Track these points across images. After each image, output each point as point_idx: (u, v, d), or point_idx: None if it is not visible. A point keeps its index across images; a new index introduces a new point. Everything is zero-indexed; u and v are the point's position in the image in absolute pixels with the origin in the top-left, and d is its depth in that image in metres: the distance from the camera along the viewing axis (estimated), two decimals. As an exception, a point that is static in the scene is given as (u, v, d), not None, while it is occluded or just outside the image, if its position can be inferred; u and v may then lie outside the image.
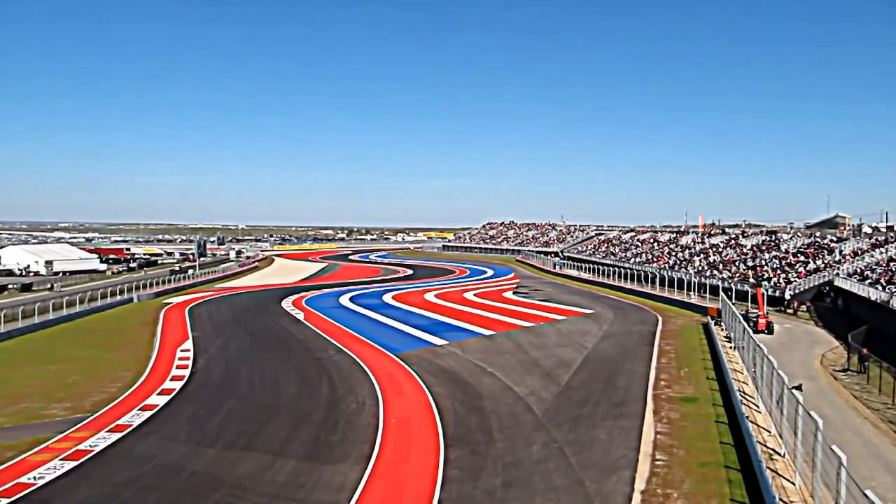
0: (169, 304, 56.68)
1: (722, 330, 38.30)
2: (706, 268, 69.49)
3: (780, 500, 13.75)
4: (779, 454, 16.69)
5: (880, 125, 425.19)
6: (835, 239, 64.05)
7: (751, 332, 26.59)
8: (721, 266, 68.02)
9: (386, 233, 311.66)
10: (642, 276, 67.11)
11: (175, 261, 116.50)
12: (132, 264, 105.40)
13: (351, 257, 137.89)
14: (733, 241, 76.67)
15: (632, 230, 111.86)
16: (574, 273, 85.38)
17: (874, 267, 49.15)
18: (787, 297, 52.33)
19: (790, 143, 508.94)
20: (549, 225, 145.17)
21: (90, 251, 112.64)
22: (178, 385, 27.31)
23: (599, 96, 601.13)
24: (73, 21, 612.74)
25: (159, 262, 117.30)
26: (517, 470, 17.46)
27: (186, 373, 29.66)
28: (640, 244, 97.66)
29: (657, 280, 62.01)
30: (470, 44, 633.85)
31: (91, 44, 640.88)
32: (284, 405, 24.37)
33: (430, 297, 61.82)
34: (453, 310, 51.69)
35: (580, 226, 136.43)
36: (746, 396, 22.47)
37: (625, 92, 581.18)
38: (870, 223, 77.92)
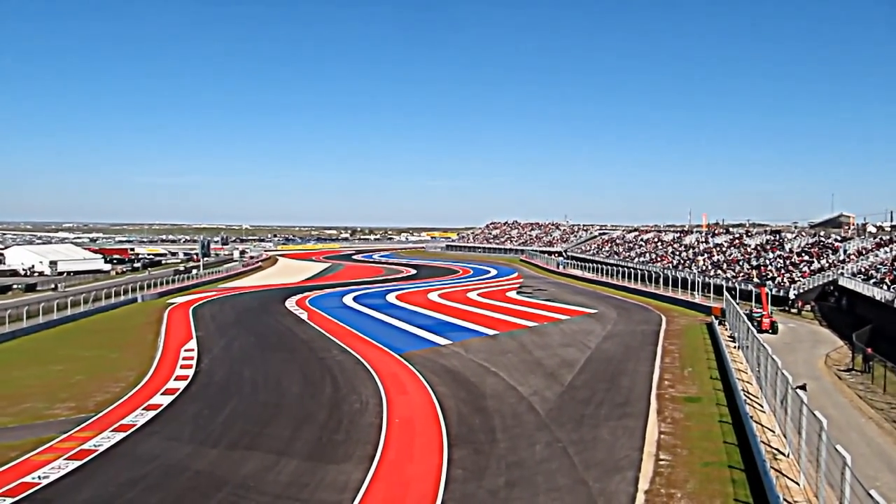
0: (173, 304, 56.75)
1: (726, 329, 38.24)
2: (710, 267, 69.39)
3: (784, 499, 13.72)
4: (783, 454, 16.65)
5: (885, 124, 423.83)
6: (839, 238, 63.89)
7: (755, 331, 26.53)
8: (725, 265, 67.92)
9: (389, 233, 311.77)
10: (646, 275, 67.01)
11: (179, 261, 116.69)
12: (136, 264, 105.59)
13: (354, 257, 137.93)
14: (737, 241, 76.52)
15: (635, 230, 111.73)
16: (578, 273, 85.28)
17: (879, 266, 49.03)
18: (792, 296, 52.23)
19: (794, 142, 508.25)
20: (553, 224, 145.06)
21: (94, 251, 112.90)
22: (181, 385, 27.35)
23: (603, 95, 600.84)
24: (75, 21, 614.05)
25: (163, 262, 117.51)
26: (521, 470, 17.45)
27: (190, 373, 29.68)
28: (643, 244, 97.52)
29: (661, 279, 61.92)
30: (473, 43, 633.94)
31: (95, 43, 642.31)
32: (288, 405, 24.39)
33: (433, 296, 61.82)
34: (457, 309, 51.68)
35: (584, 225, 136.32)
36: (750, 396, 22.42)
37: (628, 91, 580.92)
38: (874, 222, 77.92)
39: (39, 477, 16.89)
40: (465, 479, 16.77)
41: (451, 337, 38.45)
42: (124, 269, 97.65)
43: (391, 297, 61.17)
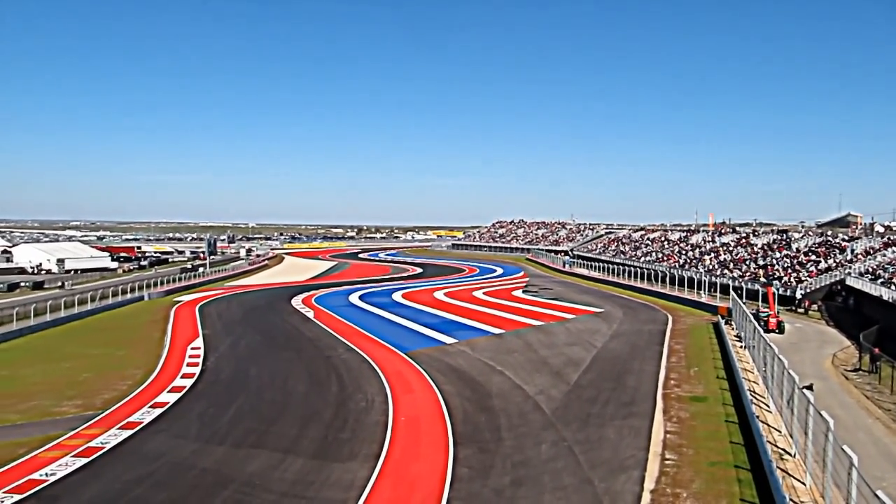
0: (179, 302, 56.94)
1: (732, 329, 38.13)
2: (716, 267, 69.19)
3: (791, 500, 13.68)
4: (789, 454, 16.60)
5: (893, 123, 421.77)
6: (846, 238, 63.60)
7: (761, 331, 26.42)
8: (731, 265, 67.70)
9: (395, 231, 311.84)
10: (652, 274, 66.86)
11: (186, 259, 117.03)
12: (143, 262, 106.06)
13: (360, 255, 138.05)
14: (744, 240, 76.26)
15: (642, 229, 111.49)
16: (584, 272, 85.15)
17: (886, 266, 48.79)
18: (798, 296, 52.02)
19: (802, 141, 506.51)
20: (559, 223, 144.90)
21: (101, 249, 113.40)
22: (188, 383, 27.44)
23: (610, 94, 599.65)
24: (79, 20, 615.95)
25: (170, 260, 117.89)
26: (526, 469, 17.44)
27: (197, 370, 29.79)
28: (650, 243, 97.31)
29: (667, 279, 61.75)
30: (480, 42, 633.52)
31: (100, 42, 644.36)
32: (294, 403, 24.43)
33: (439, 295, 61.82)
34: (463, 308, 51.68)
35: (590, 224, 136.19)
36: (757, 396, 22.36)
37: (635, 90, 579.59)
38: (882, 222, 77.43)
39: (47, 474, 16.99)
40: (470, 477, 16.78)
41: (457, 336, 38.45)
42: (131, 268, 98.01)
43: (397, 296, 61.21)
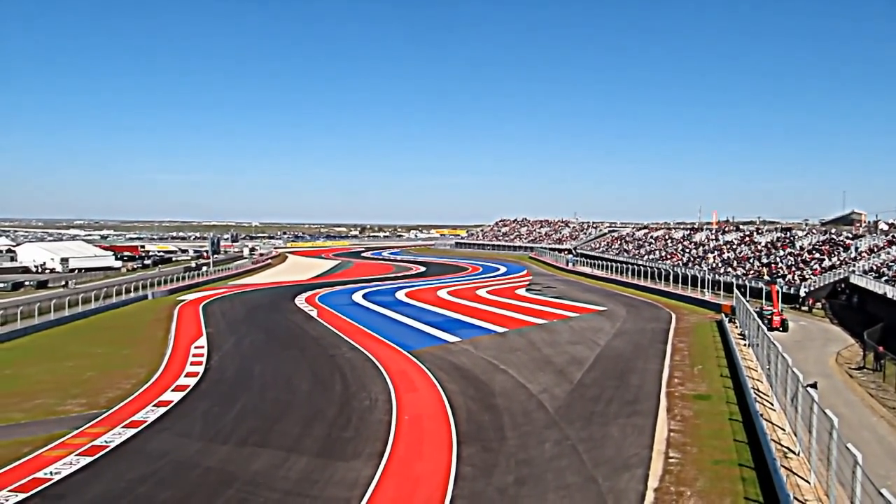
0: (183, 300, 57.04)
1: (736, 327, 38.06)
2: (720, 265, 69.11)
3: (795, 498, 13.66)
4: (793, 452, 16.57)
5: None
6: (850, 236, 63.39)
7: (765, 329, 26.37)
8: (735, 263, 67.61)
9: (398, 230, 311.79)
10: (656, 273, 66.77)
11: (189, 258, 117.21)
12: (147, 261, 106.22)
13: (364, 254, 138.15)
14: (748, 238, 76.14)
15: (645, 227, 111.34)
16: (587, 270, 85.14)
17: (891, 264, 48.65)
18: (802, 294, 51.93)
19: (806, 139, 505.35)
20: (562, 222, 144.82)
21: (105, 248, 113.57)
22: (192, 381, 27.49)
23: (612, 92, 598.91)
24: (81, 20, 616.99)
25: (173, 259, 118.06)
26: (530, 467, 17.44)
27: (200, 369, 29.83)
28: (653, 241, 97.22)
29: (671, 277, 61.64)
30: (481, 40, 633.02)
31: (104, 41, 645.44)
32: (298, 402, 24.46)
33: (442, 294, 61.83)
34: (466, 307, 51.68)
35: (593, 223, 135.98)
36: (761, 394, 22.32)
37: (637, 87, 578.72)
38: (886, 219, 77.16)
39: (51, 472, 17.03)
40: (474, 476, 16.79)
41: (461, 334, 38.46)
42: (135, 266, 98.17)
43: (400, 295, 61.24)
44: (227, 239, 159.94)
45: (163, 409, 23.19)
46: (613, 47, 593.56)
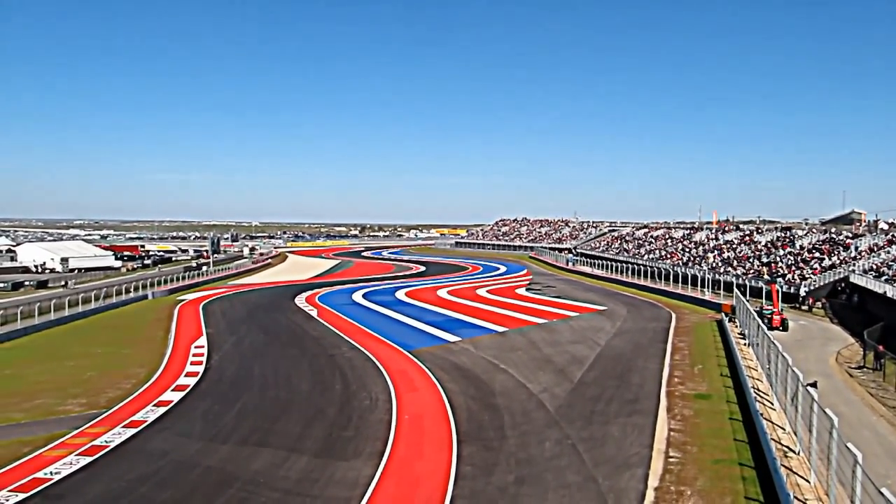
0: (183, 300, 57.03)
1: (736, 327, 38.06)
2: (720, 264, 69.11)
3: (795, 497, 13.66)
4: (793, 451, 16.58)
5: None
6: (850, 235, 63.42)
7: (765, 328, 26.39)
8: (735, 262, 67.61)
9: (398, 230, 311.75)
10: (656, 272, 66.77)
11: (189, 257, 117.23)
12: (147, 261, 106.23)
13: (364, 254, 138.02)
14: (747, 238, 76.15)
15: (645, 226, 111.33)
16: (587, 270, 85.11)
17: (891, 263, 48.67)
18: (802, 293, 51.94)
19: (806, 138, 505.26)
20: (562, 221, 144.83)
21: (105, 248, 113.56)
22: (192, 381, 27.48)
23: (612, 91, 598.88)
24: (82, 19, 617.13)
25: (173, 259, 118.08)
26: (530, 466, 17.44)
27: (200, 369, 29.82)
28: (653, 240, 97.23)
29: (671, 277, 61.63)
30: (481, 40, 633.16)
31: (104, 41, 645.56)
32: (298, 401, 24.45)
33: (442, 293, 61.82)
34: (466, 306, 51.68)
35: (593, 222, 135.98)
36: (761, 393, 22.34)
37: (638, 87, 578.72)
38: (886, 219, 77.18)
39: (51, 472, 17.02)
40: (474, 475, 16.79)
41: (461, 334, 38.45)
42: (135, 266, 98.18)
43: (400, 294, 61.22)
44: (227, 238, 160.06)
45: (163, 409, 23.18)
46: (613, 47, 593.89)
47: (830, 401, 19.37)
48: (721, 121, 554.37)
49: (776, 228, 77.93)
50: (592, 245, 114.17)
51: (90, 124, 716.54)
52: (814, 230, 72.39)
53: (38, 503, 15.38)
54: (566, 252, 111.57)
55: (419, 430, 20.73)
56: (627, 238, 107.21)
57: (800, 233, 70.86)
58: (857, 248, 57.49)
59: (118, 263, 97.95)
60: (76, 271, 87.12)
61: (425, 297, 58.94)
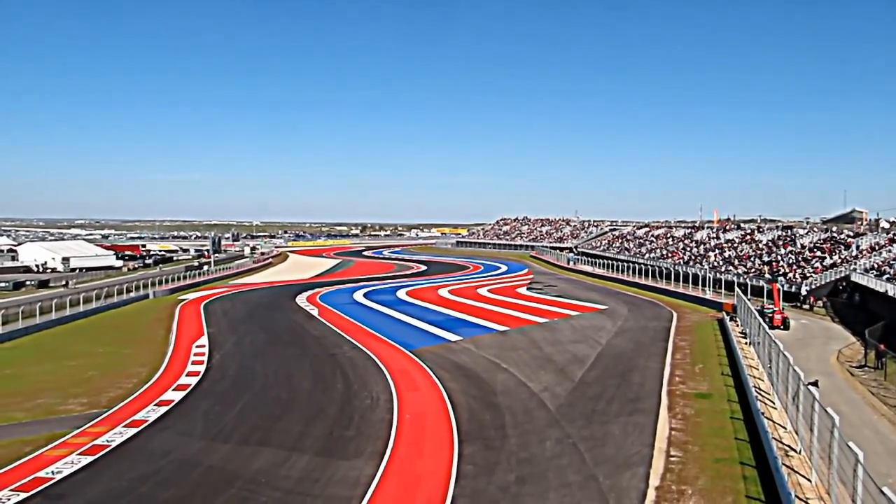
0: (184, 300, 57.05)
1: (737, 326, 38.05)
2: (721, 263, 69.07)
3: (796, 496, 13.66)
4: (794, 451, 16.57)
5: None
6: (852, 234, 63.35)
7: (766, 327, 26.35)
8: (736, 261, 67.57)
9: (399, 229, 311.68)
10: (657, 271, 66.78)
11: (191, 257, 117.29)
12: (147, 261, 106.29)
13: (365, 253, 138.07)
14: (749, 237, 76.11)
15: (646, 225, 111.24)
16: (588, 269, 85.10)
17: (892, 262, 48.63)
18: (804, 292, 51.89)
19: (807, 136, 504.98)
20: (563, 220, 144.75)
21: (106, 248, 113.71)
22: (193, 381, 27.48)
23: (612, 91, 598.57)
24: (82, 19, 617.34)
25: (174, 258, 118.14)
26: (531, 466, 17.43)
27: (202, 368, 29.83)
28: (654, 240, 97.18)
29: (672, 276, 61.63)
30: (481, 40, 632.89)
31: (104, 41, 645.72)
32: (299, 401, 24.45)
33: (443, 293, 61.82)
34: (467, 306, 51.68)
35: (594, 221, 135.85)
36: (762, 392, 22.33)
37: (638, 86, 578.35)
38: (888, 217, 77.01)
39: (53, 472, 17.02)
40: (475, 474, 16.78)
41: (462, 333, 38.44)
42: (136, 266, 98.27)
43: (401, 294, 61.23)
44: (228, 238, 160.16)
45: (164, 409, 23.18)
46: (613, 46, 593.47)
47: (831, 400, 19.36)
48: (722, 119, 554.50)
49: (777, 227, 77.83)
50: (593, 244, 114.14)
51: (91, 124, 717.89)
52: (815, 229, 72.29)
53: (39, 503, 15.37)
54: (567, 251, 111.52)
55: (420, 430, 20.72)
56: (628, 237, 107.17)
57: (801, 231, 70.79)
58: (858, 247, 57.45)
59: (119, 263, 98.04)
60: (77, 271, 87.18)
61: (426, 296, 58.94)
